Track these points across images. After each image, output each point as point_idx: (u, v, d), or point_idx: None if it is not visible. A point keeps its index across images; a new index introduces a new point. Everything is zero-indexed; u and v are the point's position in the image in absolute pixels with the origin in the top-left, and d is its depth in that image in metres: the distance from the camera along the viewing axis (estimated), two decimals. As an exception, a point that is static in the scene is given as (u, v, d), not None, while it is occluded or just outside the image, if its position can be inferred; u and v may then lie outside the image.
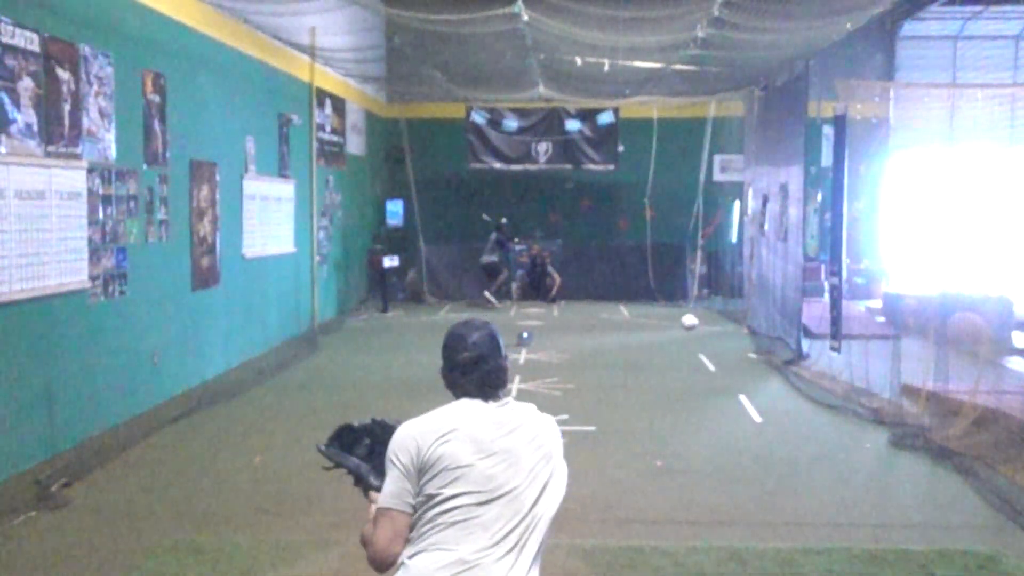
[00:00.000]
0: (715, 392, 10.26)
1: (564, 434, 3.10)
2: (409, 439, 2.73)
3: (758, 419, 8.98)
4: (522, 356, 12.24)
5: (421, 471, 2.69)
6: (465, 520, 2.64)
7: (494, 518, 2.66)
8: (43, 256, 7.12)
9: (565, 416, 8.71)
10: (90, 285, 7.85)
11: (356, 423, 3.10)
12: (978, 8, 19.32)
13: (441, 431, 2.72)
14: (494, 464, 2.70)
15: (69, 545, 5.54)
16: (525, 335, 13.23)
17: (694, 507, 6.38)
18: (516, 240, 19.54)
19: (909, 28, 20.45)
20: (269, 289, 12.73)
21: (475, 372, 2.87)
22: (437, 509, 2.66)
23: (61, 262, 7.38)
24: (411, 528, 2.71)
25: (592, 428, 8.44)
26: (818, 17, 11.31)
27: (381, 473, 2.86)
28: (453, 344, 2.92)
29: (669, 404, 9.66)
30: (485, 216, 19.83)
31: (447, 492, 2.65)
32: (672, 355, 12.76)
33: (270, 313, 12.74)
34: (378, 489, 2.83)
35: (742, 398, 9.82)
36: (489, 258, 18.18)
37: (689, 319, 14.91)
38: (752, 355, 12.78)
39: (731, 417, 9.11)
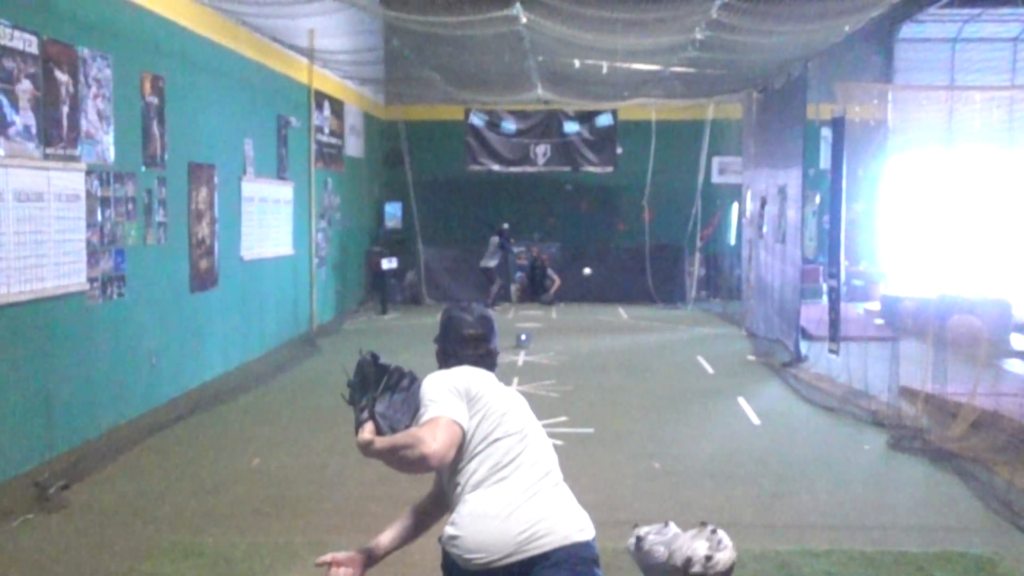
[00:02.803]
0: (713, 394, 10.26)
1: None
2: (461, 377, 3.04)
3: (757, 421, 8.98)
4: (520, 358, 12.23)
5: (471, 405, 2.97)
6: (514, 457, 2.94)
7: (533, 454, 2.99)
8: (41, 258, 7.12)
9: (564, 418, 8.71)
10: (88, 287, 7.84)
11: (382, 360, 3.15)
12: (976, 11, 19.35)
13: (480, 380, 3.05)
14: (517, 414, 3.05)
15: (67, 547, 5.53)
16: (523, 337, 13.23)
17: (692, 509, 6.37)
18: (512, 240, 19.51)
19: (907, 31, 20.48)
20: (267, 291, 12.73)
21: (474, 348, 3.20)
22: (488, 449, 2.94)
23: (59, 264, 7.37)
24: (458, 464, 2.95)
25: (590, 430, 8.43)
26: (816, 20, 11.32)
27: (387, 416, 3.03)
28: (457, 321, 3.24)
29: (667, 406, 9.66)
30: (481, 217, 19.82)
31: (495, 435, 2.95)
32: (670, 357, 12.76)
33: (268, 315, 12.74)
34: (379, 422, 3.00)
35: (740, 400, 9.82)
36: (488, 263, 18.12)
37: (586, 270, 18.68)
38: (750, 357, 12.78)
39: (729, 419, 9.11)
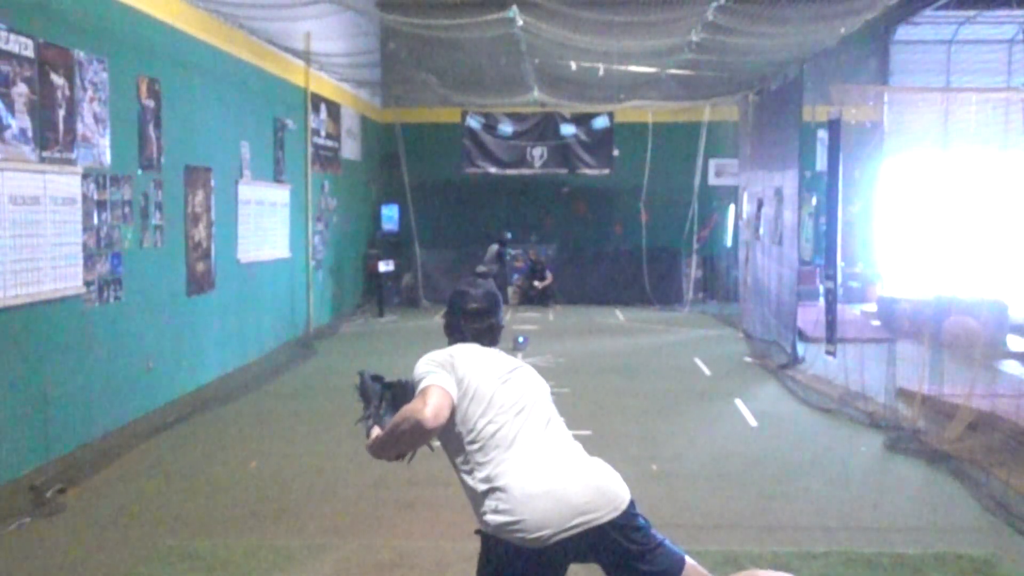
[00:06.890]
0: (710, 396, 10.26)
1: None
2: (445, 355, 3.18)
3: (753, 423, 8.99)
4: (518, 360, 12.22)
5: (457, 385, 3.09)
6: (518, 431, 3.04)
7: (536, 424, 3.11)
8: (38, 262, 7.11)
9: (561, 420, 8.69)
10: (85, 291, 7.83)
11: (386, 378, 3.40)
12: (972, 13, 19.38)
13: (467, 359, 3.17)
14: (511, 387, 3.16)
15: (64, 551, 5.52)
16: (521, 339, 13.23)
17: (689, 511, 6.38)
18: (509, 252, 19.46)
19: (903, 32, 20.51)
20: (264, 294, 12.72)
21: (478, 322, 3.37)
22: (486, 433, 3.02)
23: (56, 268, 7.37)
24: (460, 451, 3.05)
25: (588, 432, 8.42)
26: (812, 22, 11.34)
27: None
28: (462, 296, 3.44)
29: (665, 408, 9.67)
30: (478, 220, 19.80)
31: (485, 418, 3.04)
32: (667, 359, 12.76)
33: (265, 318, 12.72)
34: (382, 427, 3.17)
35: (737, 402, 9.83)
36: (484, 269, 17.99)
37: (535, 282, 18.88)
38: (747, 359, 12.79)
39: (726, 421, 9.11)
